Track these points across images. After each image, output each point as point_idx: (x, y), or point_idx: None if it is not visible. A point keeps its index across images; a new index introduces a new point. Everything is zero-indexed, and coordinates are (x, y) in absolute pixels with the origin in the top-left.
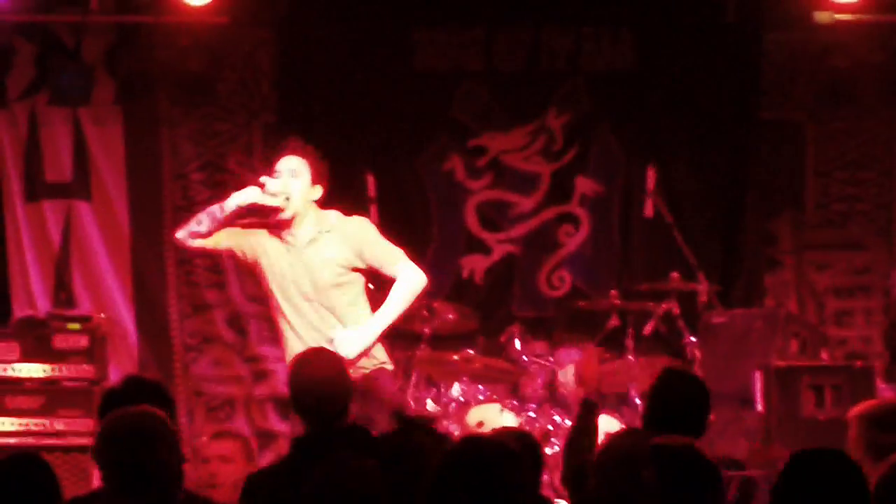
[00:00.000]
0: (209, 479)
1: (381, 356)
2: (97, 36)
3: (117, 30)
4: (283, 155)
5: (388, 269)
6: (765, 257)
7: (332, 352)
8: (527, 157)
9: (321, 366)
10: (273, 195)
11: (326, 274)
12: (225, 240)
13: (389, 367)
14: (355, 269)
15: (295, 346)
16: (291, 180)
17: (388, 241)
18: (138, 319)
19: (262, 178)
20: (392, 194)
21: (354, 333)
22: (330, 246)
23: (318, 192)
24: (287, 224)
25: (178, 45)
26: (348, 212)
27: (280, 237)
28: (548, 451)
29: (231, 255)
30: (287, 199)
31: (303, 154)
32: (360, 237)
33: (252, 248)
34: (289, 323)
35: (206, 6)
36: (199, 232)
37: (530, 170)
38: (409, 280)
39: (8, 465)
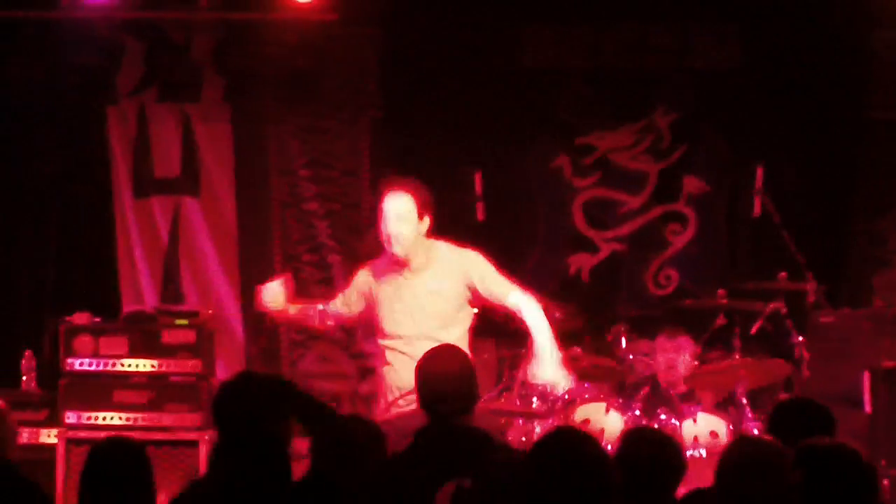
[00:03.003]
0: None
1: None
2: (206, 33)
3: (225, 27)
4: (385, 193)
5: (503, 300)
6: (872, 257)
7: (461, 349)
8: (634, 155)
9: (449, 360)
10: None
11: (437, 307)
12: (353, 304)
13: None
14: (467, 303)
15: (395, 378)
16: (399, 224)
17: (500, 274)
18: (245, 315)
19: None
20: (499, 192)
21: (545, 359)
22: (439, 279)
23: (426, 224)
24: (398, 259)
25: (285, 43)
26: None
27: (391, 271)
28: None
29: (363, 312)
30: (399, 244)
31: (405, 189)
32: (473, 269)
33: (369, 293)
34: (394, 355)
35: (314, 3)
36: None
37: (638, 168)
38: (536, 306)
39: (103, 449)
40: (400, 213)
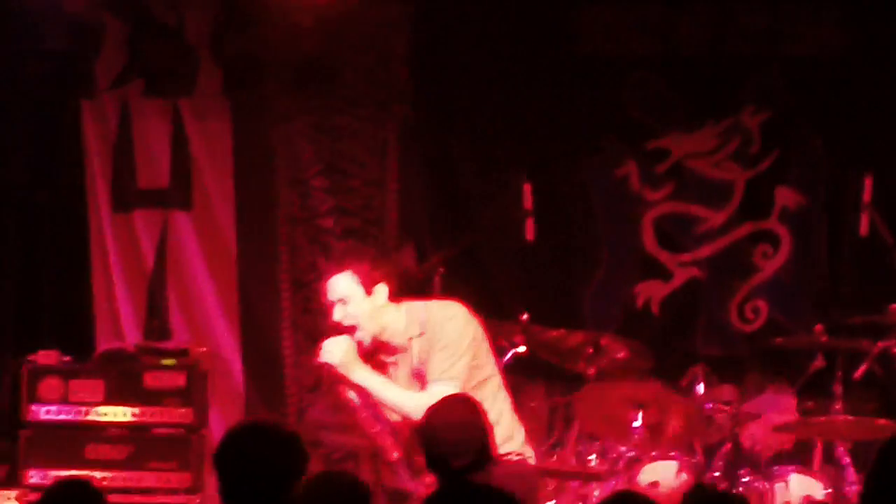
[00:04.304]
0: None
1: (519, 439)
2: (200, 13)
3: (223, 5)
4: (323, 285)
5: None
6: None
7: (469, 398)
8: (717, 162)
9: (453, 411)
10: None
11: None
12: None
13: (530, 455)
14: (474, 369)
15: None
16: (345, 309)
17: (456, 359)
18: (245, 354)
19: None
20: (552, 206)
21: (355, 363)
22: (421, 355)
23: (381, 294)
24: (387, 346)
25: (293, 24)
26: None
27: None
28: None
29: None
30: (360, 332)
31: (338, 270)
32: (437, 340)
33: None
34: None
35: None
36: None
37: (721, 178)
38: (420, 402)
39: (55, 492)
40: (340, 298)
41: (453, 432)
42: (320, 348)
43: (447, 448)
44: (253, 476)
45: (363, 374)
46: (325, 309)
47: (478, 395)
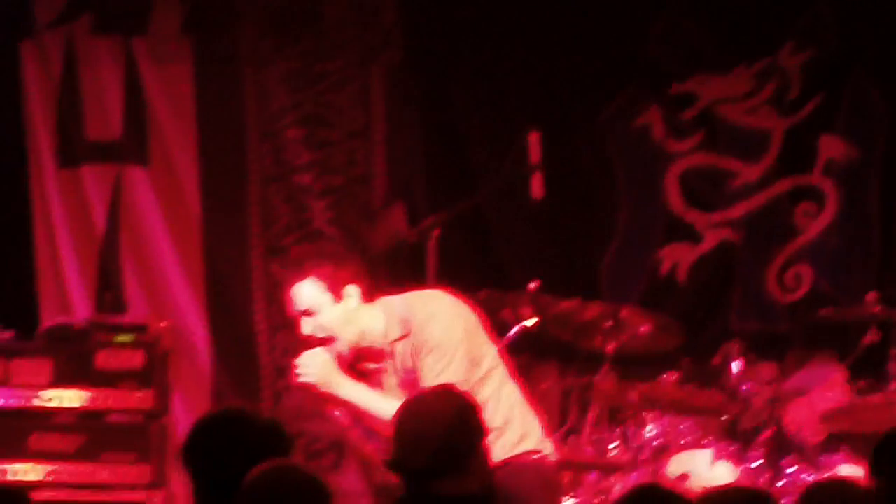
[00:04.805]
0: None
1: (535, 435)
2: None
3: None
4: (287, 296)
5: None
6: None
7: (445, 391)
8: (751, 108)
9: (420, 405)
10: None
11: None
12: None
13: (549, 451)
14: (473, 361)
15: None
16: (314, 321)
17: (448, 361)
18: (213, 330)
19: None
20: (563, 159)
21: (337, 377)
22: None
23: (353, 296)
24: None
25: None
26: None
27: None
28: None
29: None
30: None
31: (298, 278)
32: (422, 344)
33: None
34: None
35: None
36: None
37: (756, 126)
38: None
39: None
40: (307, 308)
41: (414, 428)
42: (294, 368)
43: (404, 446)
44: (229, 471)
45: (348, 389)
46: (292, 322)
47: (480, 396)
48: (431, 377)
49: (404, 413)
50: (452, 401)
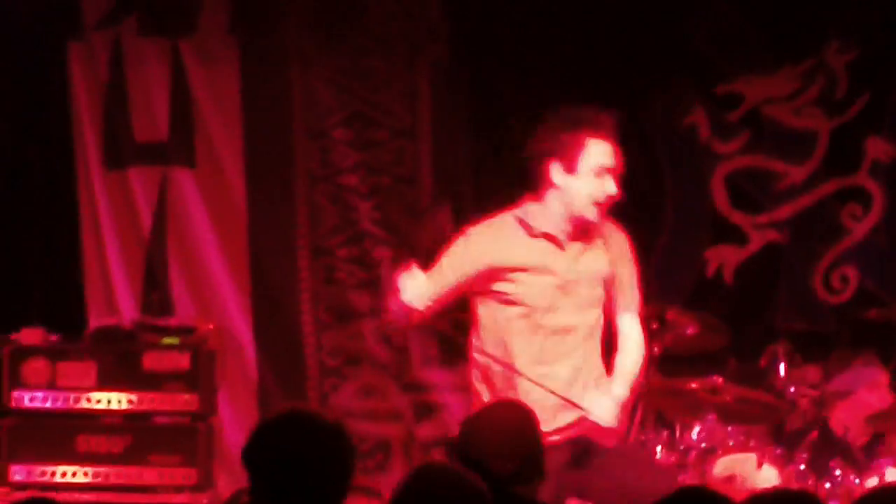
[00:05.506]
0: None
1: None
2: None
3: None
4: (585, 139)
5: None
6: None
7: (516, 404)
8: (798, 108)
9: (498, 414)
10: None
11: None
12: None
13: None
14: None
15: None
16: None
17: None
18: (258, 331)
19: None
20: None
21: (605, 399)
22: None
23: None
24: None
25: None
26: None
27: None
28: None
29: None
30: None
31: (610, 134)
32: (623, 253)
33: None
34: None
35: None
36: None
37: (802, 127)
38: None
39: None
40: (613, 166)
41: (496, 435)
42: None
43: (489, 453)
44: (291, 474)
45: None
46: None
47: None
48: (634, 295)
49: (482, 422)
50: (522, 412)
